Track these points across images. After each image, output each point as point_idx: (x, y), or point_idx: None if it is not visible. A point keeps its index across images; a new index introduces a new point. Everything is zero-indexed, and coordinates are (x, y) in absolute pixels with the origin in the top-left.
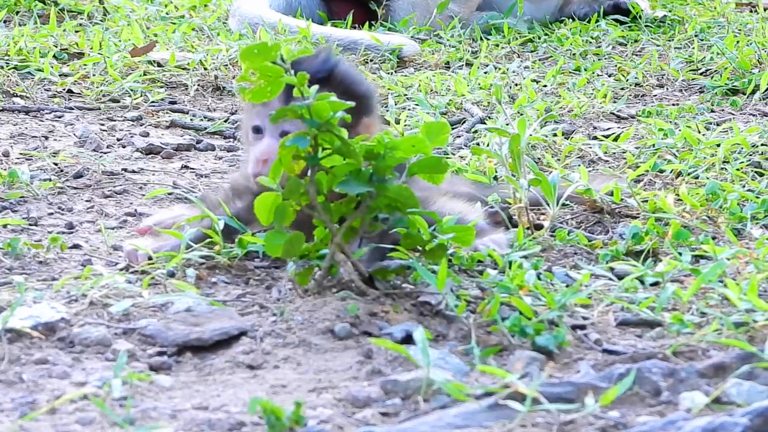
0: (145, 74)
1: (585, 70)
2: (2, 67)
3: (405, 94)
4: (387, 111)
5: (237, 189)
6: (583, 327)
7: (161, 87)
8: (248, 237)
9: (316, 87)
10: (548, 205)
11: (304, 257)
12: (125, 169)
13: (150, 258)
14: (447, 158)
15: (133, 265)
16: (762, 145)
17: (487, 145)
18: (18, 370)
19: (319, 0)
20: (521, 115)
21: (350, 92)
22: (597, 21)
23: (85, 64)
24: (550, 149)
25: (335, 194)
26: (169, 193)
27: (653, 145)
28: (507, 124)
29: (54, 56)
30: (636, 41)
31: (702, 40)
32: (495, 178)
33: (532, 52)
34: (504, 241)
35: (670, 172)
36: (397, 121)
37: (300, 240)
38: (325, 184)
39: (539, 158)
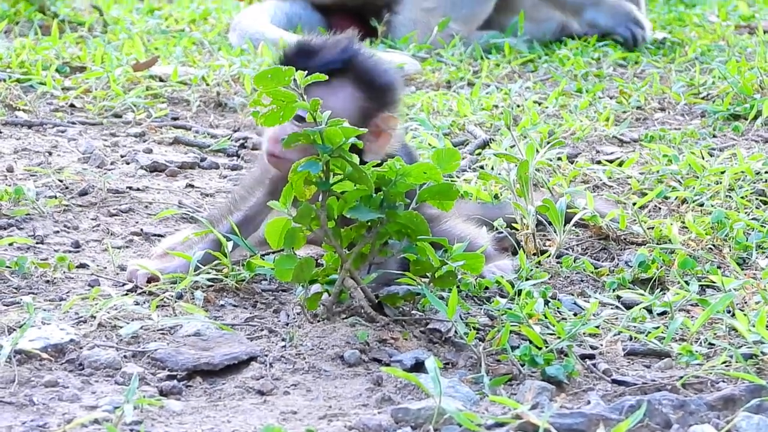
0: (147, 89)
1: (587, 91)
2: (4, 80)
3: (407, 114)
4: None
5: (251, 184)
6: (591, 356)
7: (163, 102)
8: (257, 260)
9: (328, 112)
10: (554, 230)
11: (313, 282)
12: (130, 187)
13: (153, 279)
14: (452, 181)
15: (139, 285)
16: (766, 172)
17: (492, 169)
18: (28, 392)
19: (320, 15)
20: (525, 138)
21: (369, 84)
22: (598, 41)
23: (88, 78)
24: (555, 173)
25: (346, 219)
26: (176, 213)
27: (657, 172)
28: (512, 146)
29: (56, 69)
30: (636, 63)
31: (702, 63)
32: (496, 197)
33: (532, 72)
34: (509, 267)
35: (675, 198)
36: None
37: (310, 265)
38: (336, 210)
39: (538, 183)
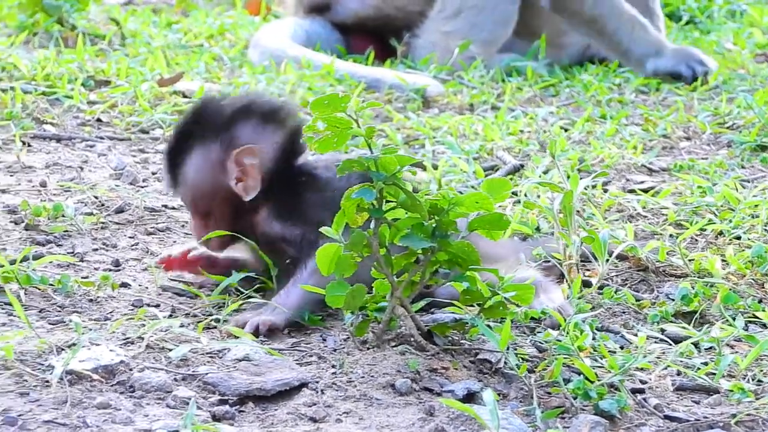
0: (174, 105)
1: (611, 118)
2: (30, 93)
3: (434, 137)
4: (423, 155)
5: None
6: (641, 391)
7: None
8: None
9: (381, 141)
10: (596, 261)
11: (362, 309)
12: (165, 206)
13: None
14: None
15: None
16: None
17: (525, 195)
18: (81, 414)
19: (339, 34)
20: (555, 164)
21: (211, 130)
22: (619, 66)
23: (114, 93)
24: (589, 202)
25: (396, 247)
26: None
27: (692, 203)
28: (545, 173)
29: (81, 83)
30: (658, 90)
31: (725, 92)
32: (537, 229)
33: (554, 96)
34: (569, 307)
35: (711, 231)
36: (435, 167)
37: (361, 292)
38: (387, 237)
39: (578, 211)
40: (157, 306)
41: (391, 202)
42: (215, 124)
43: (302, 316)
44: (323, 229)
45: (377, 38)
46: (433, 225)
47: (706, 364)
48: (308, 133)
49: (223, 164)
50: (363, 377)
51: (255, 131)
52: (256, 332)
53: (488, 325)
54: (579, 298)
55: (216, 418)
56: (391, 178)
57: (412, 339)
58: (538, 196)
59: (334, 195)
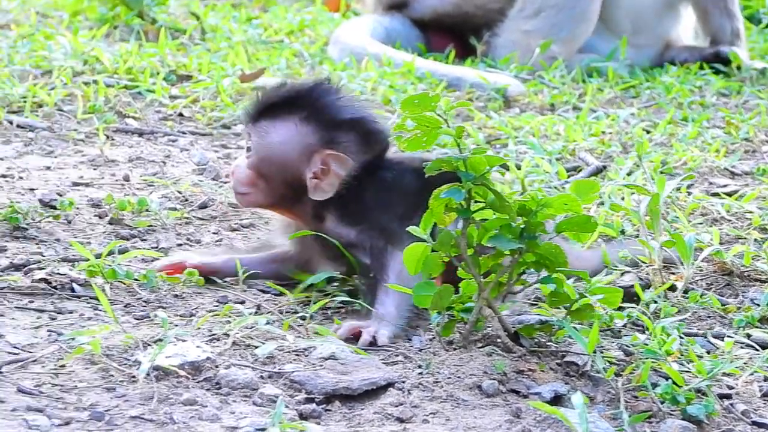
0: None
1: (692, 120)
2: (113, 86)
3: (516, 137)
4: (505, 155)
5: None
6: (728, 396)
7: None
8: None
9: (470, 141)
10: (682, 264)
11: (448, 309)
12: None
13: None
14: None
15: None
16: None
17: (609, 197)
18: (168, 410)
19: (418, 31)
20: (638, 167)
21: (316, 120)
22: (699, 69)
23: (196, 88)
24: (674, 205)
25: (482, 247)
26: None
27: None
28: (628, 174)
29: (163, 78)
30: (739, 93)
31: None
32: (622, 232)
33: (634, 98)
34: None
35: None
36: (518, 167)
37: (449, 293)
38: (475, 238)
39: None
40: (242, 303)
41: (480, 202)
42: (326, 117)
43: (404, 325)
44: (411, 229)
45: (455, 35)
46: (522, 226)
47: None
48: (397, 131)
49: (310, 154)
50: (449, 378)
51: (353, 145)
52: (372, 343)
53: (575, 328)
54: (664, 300)
55: (303, 417)
56: (479, 179)
57: (498, 340)
58: (622, 198)
59: (392, 195)
